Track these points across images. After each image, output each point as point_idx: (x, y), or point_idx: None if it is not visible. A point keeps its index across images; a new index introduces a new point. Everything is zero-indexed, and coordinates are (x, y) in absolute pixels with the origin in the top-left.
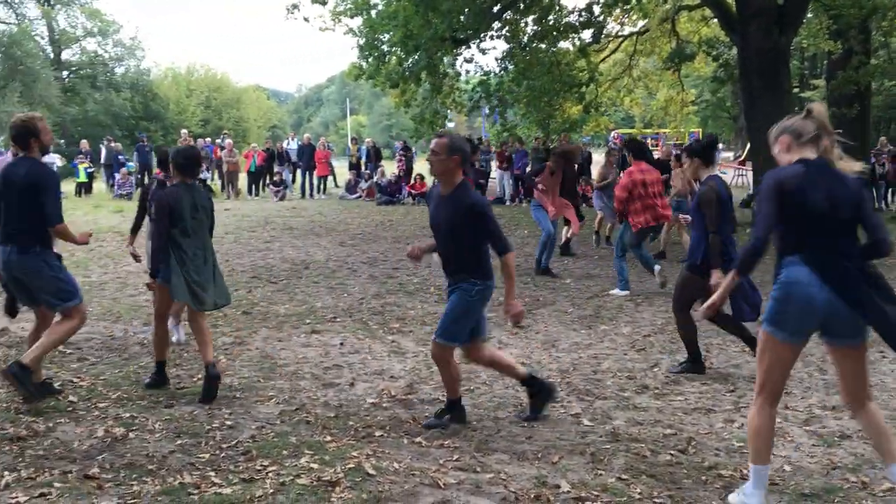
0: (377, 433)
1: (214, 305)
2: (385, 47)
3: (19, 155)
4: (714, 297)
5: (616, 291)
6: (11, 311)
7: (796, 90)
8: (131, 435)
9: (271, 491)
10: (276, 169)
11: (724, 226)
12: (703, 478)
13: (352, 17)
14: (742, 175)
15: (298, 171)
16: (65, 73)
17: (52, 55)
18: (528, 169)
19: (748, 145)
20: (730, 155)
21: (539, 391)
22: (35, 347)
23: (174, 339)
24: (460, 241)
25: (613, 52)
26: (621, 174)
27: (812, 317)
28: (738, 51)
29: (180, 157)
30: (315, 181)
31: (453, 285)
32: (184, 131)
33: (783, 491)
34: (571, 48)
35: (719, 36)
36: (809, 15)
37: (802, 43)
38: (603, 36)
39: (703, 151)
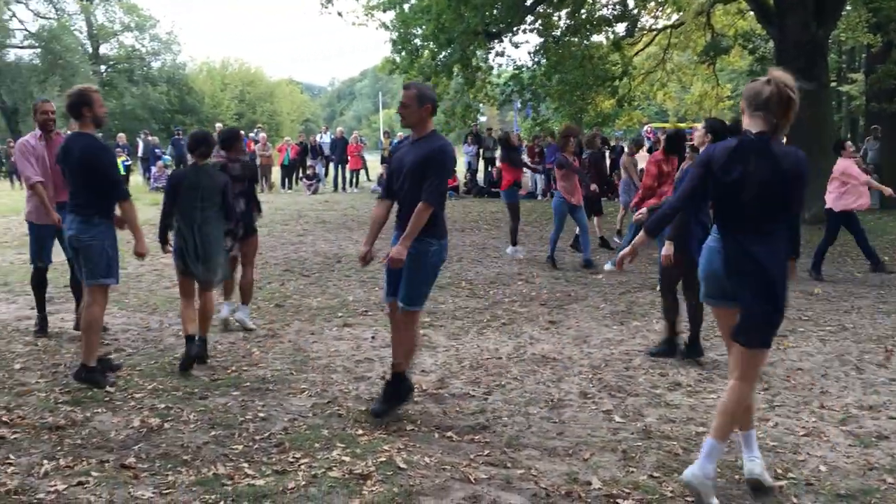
0: (408, 427)
1: (204, 281)
2: (418, 41)
3: (76, 128)
4: (625, 251)
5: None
6: (76, 290)
7: (834, 84)
8: (166, 425)
9: (303, 483)
10: (309, 162)
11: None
12: (736, 476)
13: (385, 11)
14: None
15: (331, 165)
16: (103, 67)
17: (90, 50)
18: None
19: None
20: None
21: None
22: (83, 346)
23: (222, 314)
24: (416, 188)
25: (647, 45)
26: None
27: (716, 282)
28: (774, 44)
29: (190, 140)
30: (348, 175)
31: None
32: (218, 125)
33: (818, 492)
34: (605, 42)
35: (756, 29)
36: (848, 7)
37: (840, 36)
38: (637, 29)
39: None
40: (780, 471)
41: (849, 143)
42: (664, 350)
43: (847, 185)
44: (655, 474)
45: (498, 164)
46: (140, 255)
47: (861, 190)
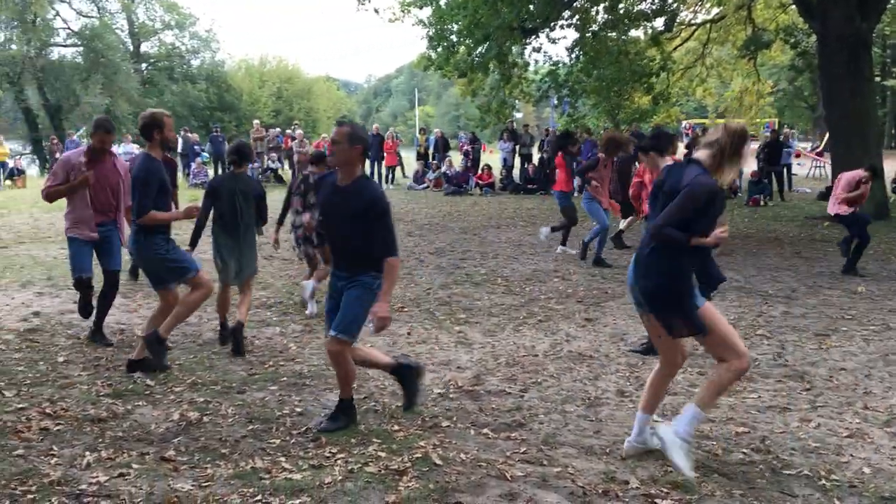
0: (444, 423)
1: (235, 279)
2: (454, 37)
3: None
4: None
5: None
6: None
7: (878, 78)
8: (205, 419)
9: (340, 478)
10: None
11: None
12: (777, 478)
13: (420, 7)
14: (819, 167)
15: (367, 161)
16: (143, 65)
17: (131, 48)
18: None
19: (826, 136)
20: (807, 145)
21: (407, 376)
22: (170, 317)
23: (307, 311)
24: (359, 234)
25: (686, 40)
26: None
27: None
28: (817, 38)
29: (229, 151)
30: (383, 171)
31: (349, 279)
32: (256, 121)
33: (862, 494)
34: (642, 37)
35: (798, 23)
36: (892, 1)
37: (885, 30)
38: (676, 24)
39: (655, 144)
40: (822, 472)
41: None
42: (648, 349)
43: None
44: (694, 474)
45: (534, 160)
46: (190, 215)
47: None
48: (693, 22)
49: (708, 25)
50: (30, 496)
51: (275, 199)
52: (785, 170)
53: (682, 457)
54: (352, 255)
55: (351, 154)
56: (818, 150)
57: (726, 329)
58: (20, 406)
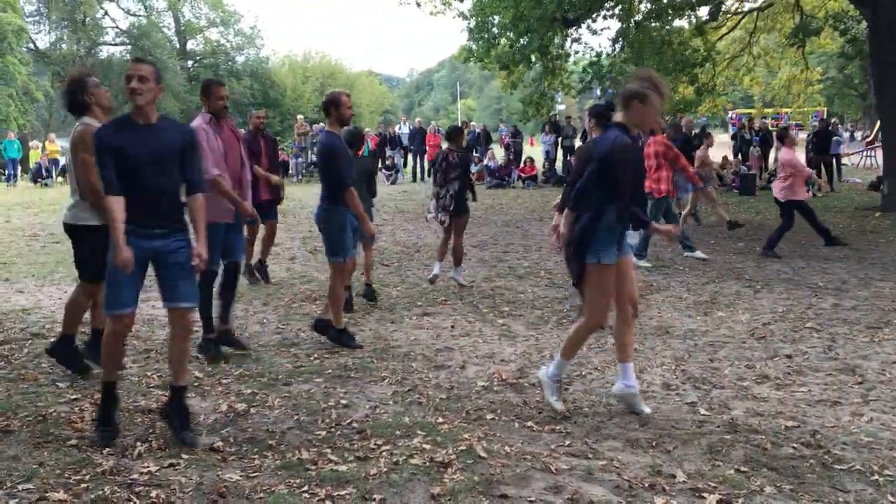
0: (488, 416)
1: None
2: (495, 29)
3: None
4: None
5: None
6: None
7: None
8: (252, 411)
9: (385, 470)
10: (388, 153)
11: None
12: (829, 473)
13: (462, 0)
14: (870, 156)
15: (410, 155)
16: (189, 62)
17: (177, 45)
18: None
19: (878, 124)
20: (858, 135)
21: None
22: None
23: (434, 271)
24: (172, 178)
25: (732, 29)
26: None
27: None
28: (867, 25)
29: (347, 136)
30: (426, 165)
31: (172, 238)
32: (300, 116)
33: None
34: (687, 26)
35: (847, 9)
36: None
37: None
38: (721, 13)
39: (602, 114)
40: (875, 467)
41: (793, 132)
42: None
43: (791, 177)
44: (743, 469)
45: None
46: (370, 234)
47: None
48: (739, 10)
49: (755, 14)
50: (83, 485)
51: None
52: (834, 160)
53: (550, 392)
54: (167, 205)
55: (158, 93)
56: (868, 140)
57: (596, 293)
58: (73, 397)
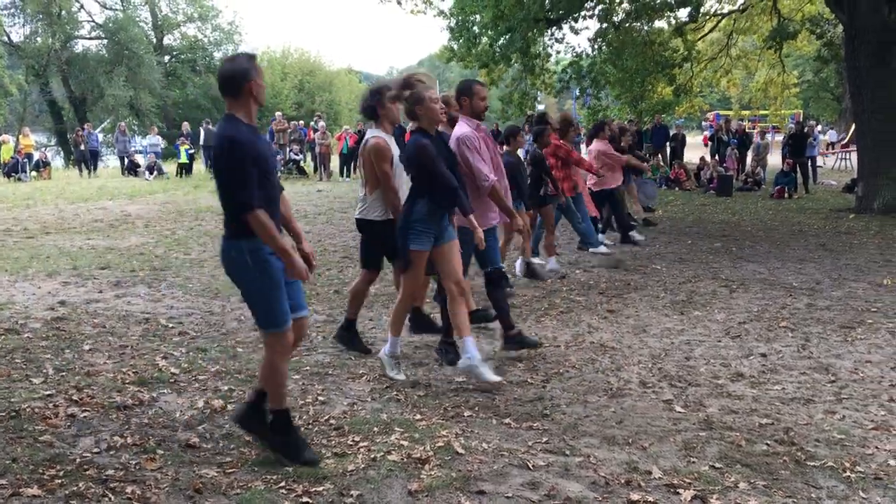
0: (466, 413)
1: None
2: (476, 28)
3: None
4: None
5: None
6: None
7: None
8: (229, 407)
9: (363, 466)
10: None
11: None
12: (802, 469)
13: None
14: (845, 159)
15: None
16: (166, 57)
17: (154, 40)
18: None
19: (852, 128)
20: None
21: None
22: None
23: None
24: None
25: (711, 31)
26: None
27: None
28: (844, 29)
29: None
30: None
31: None
32: (278, 113)
33: (888, 486)
34: (667, 27)
35: (824, 13)
36: None
37: None
38: (700, 14)
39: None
40: (847, 464)
41: (608, 126)
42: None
43: (604, 165)
44: (718, 465)
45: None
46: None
47: (617, 170)
48: (718, 12)
49: (733, 15)
50: (57, 481)
51: (297, 191)
52: (810, 162)
53: (389, 368)
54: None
55: None
56: (844, 142)
57: (412, 275)
58: (47, 393)
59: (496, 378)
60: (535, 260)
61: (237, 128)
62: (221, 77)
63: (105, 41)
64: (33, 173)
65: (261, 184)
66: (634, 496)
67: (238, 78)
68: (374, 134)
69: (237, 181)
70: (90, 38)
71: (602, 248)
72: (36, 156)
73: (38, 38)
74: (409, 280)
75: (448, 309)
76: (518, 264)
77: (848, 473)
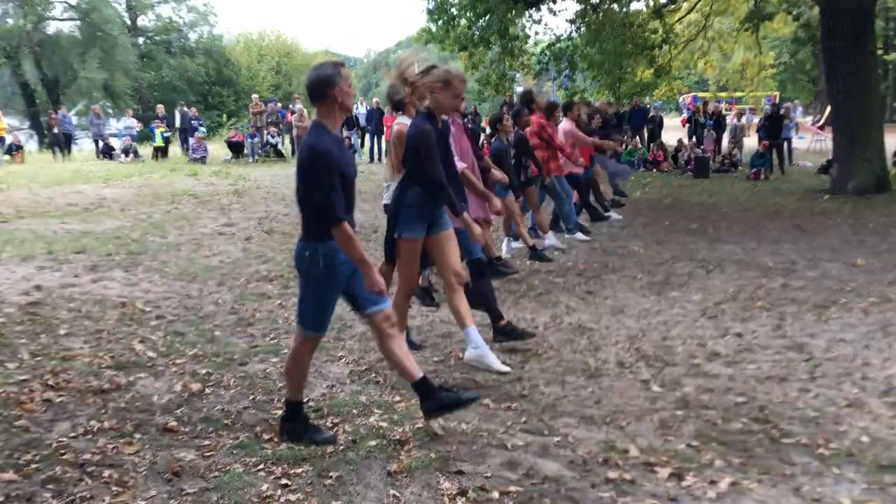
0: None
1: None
2: (454, 10)
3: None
4: None
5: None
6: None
7: (880, 52)
8: (207, 390)
9: (342, 448)
10: (344, 133)
11: None
12: (776, 447)
13: None
14: (820, 141)
15: (367, 136)
16: (141, 39)
17: (128, 21)
18: None
19: (827, 109)
20: (808, 119)
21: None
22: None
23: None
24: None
25: (689, 12)
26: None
27: None
28: (819, 10)
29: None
30: (383, 145)
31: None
32: (254, 96)
33: (860, 462)
34: (645, 9)
35: None
36: None
37: (889, 2)
38: None
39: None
40: (821, 441)
41: (576, 107)
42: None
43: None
44: (694, 443)
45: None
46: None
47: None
48: None
49: None
50: (34, 465)
51: (275, 173)
52: (785, 143)
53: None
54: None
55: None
56: (819, 125)
57: (405, 264)
58: (23, 378)
59: (505, 367)
60: (546, 241)
61: (322, 137)
62: (308, 84)
63: (78, 22)
64: (6, 157)
65: (343, 190)
66: (612, 474)
67: (323, 84)
68: (400, 122)
69: (323, 193)
70: (63, 20)
71: (579, 235)
72: (9, 139)
73: (10, 20)
74: (404, 270)
75: (447, 301)
76: (504, 245)
77: (822, 450)
